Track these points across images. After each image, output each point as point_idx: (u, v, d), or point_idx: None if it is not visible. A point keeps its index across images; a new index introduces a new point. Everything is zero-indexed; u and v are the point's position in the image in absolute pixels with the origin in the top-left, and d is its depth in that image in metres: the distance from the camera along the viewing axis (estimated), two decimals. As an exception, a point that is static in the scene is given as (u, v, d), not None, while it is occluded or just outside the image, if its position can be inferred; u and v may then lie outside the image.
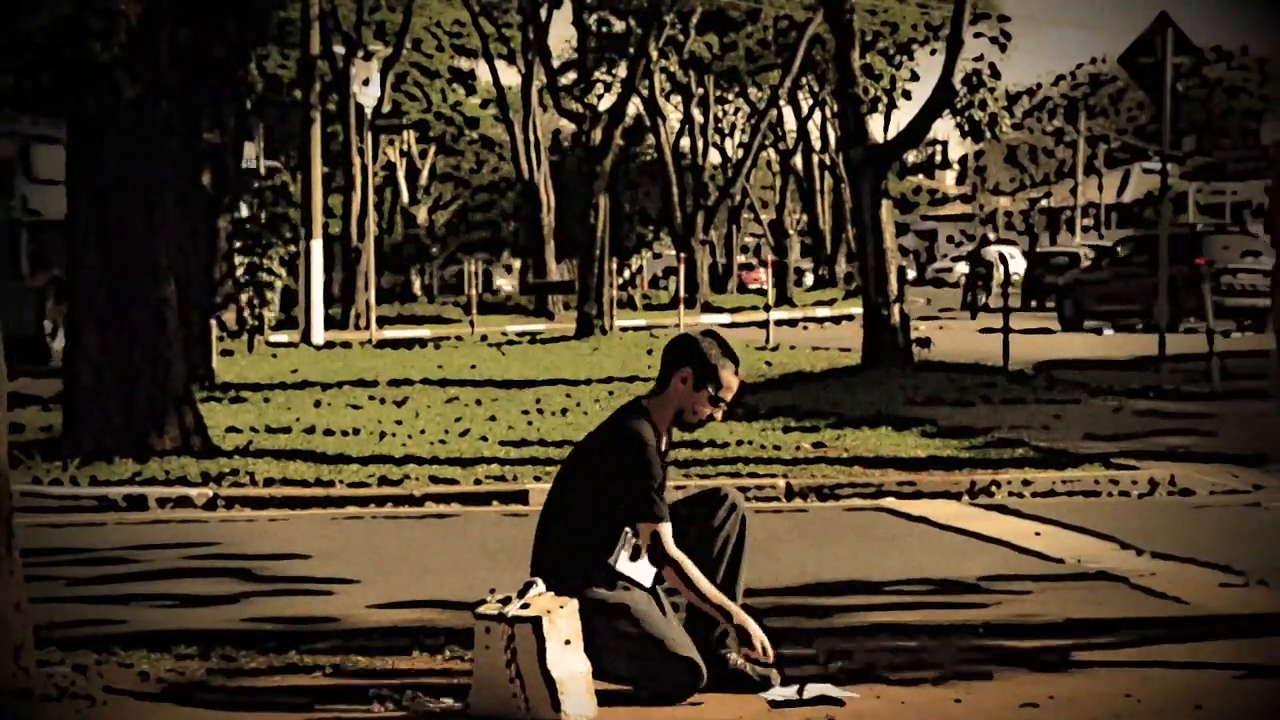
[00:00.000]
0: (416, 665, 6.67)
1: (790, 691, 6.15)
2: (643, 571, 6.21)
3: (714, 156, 63.21)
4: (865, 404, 16.46)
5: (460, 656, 6.77)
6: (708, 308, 47.47)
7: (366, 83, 40.22)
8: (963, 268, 74.16)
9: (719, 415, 6.34)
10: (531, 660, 5.74)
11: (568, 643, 5.82)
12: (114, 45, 12.88)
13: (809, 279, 70.95)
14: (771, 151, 69.66)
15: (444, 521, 10.82)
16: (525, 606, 5.83)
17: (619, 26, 51.38)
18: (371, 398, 17.91)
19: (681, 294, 35.83)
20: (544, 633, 5.75)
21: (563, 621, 5.83)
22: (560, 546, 6.19)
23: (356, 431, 14.56)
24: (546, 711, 5.73)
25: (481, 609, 5.88)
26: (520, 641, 5.76)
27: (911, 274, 34.77)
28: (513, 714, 5.78)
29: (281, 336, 31.21)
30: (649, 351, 25.81)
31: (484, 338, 32.48)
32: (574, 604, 5.92)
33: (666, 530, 6.12)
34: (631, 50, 39.67)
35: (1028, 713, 5.98)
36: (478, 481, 11.87)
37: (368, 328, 35.46)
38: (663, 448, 6.28)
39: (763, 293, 37.21)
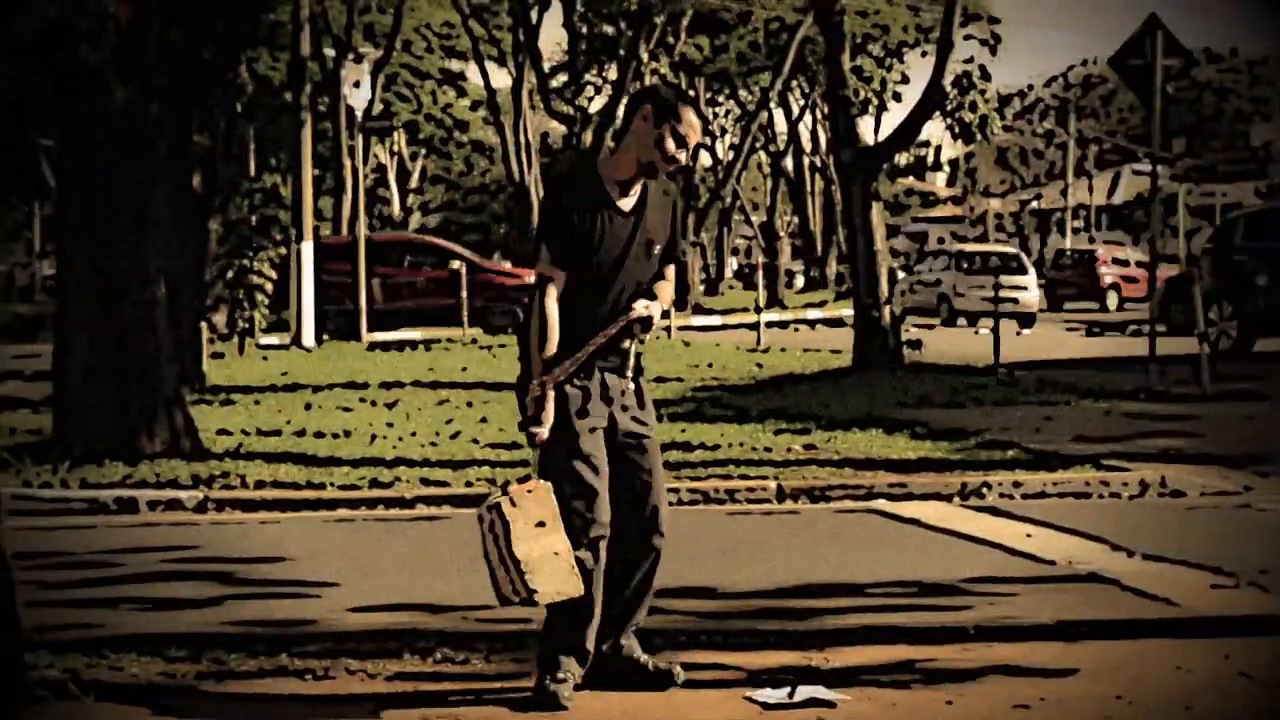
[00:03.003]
0: (407, 668, 6.67)
1: (781, 694, 6.16)
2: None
3: (704, 158, 63.21)
4: (856, 406, 16.47)
5: (451, 659, 6.77)
6: (698, 310, 47.49)
7: (357, 84, 40.20)
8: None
9: (683, 157, 6.18)
10: (502, 543, 5.91)
11: (541, 524, 5.92)
12: (104, 48, 12.87)
13: (800, 281, 71.00)
14: (762, 153, 69.73)
15: (435, 524, 10.81)
16: (505, 491, 5.98)
17: (609, 29, 51.40)
18: (362, 400, 17.90)
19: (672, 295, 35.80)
20: (506, 516, 5.89)
21: (532, 503, 5.93)
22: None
23: (347, 434, 14.55)
24: (521, 592, 5.89)
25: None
26: (495, 526, 5.93)
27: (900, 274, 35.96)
28: (504, 596, 5.98)
29: (272, 339, 31.18)
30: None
31: (475, 340, 32.47)
32: (547, 486, 6.00)
33: (549, 279, 6.09)
34: (622, 52, 39.71)
35: (1019, 714, 5.99)
36: (469, 484, 11.85)
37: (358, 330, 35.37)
38: (621, 202, 6.17)
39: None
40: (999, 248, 48.36)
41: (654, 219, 6.22)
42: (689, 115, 6.16)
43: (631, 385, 6.25)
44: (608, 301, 6.14)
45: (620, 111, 6.34)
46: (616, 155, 6.22)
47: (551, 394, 6.05)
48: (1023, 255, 44.17)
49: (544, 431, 6.04)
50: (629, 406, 6.23)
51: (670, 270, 6.39)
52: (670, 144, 6.13)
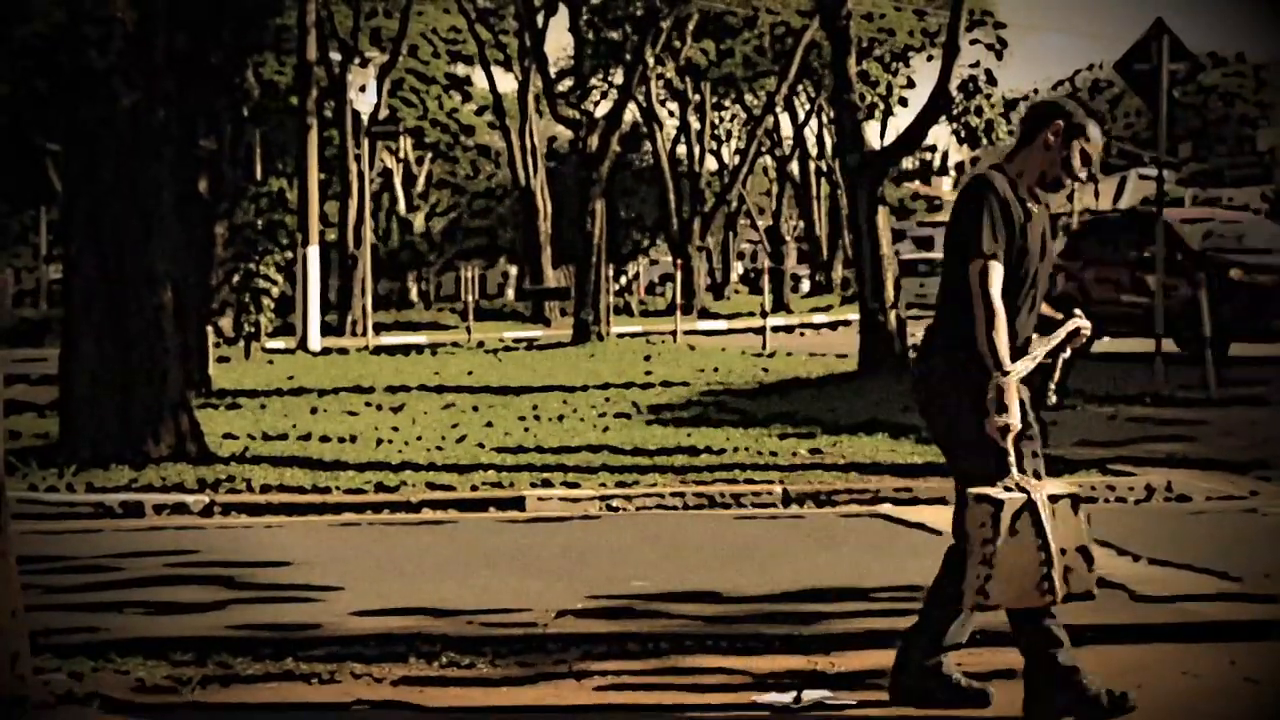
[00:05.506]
0: (412, 672, 6.67)
1: (787, 698, 6.16)
2: None
3: (710, 163, 63.24)
4: (862, 410, 16.44)
5: (457, 663, 6.77)
6: (704, 314, 47.49)
7: (363, 89, 40.27)
8: None
9: (1084, 175, 6.13)
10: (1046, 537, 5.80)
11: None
12: (110, 53, 12.89)
13: (805, 285, 70.96)
14: (768, 158, 69.68)
15: (440, 528, 10.81)
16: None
17: (615, 33, 51.41)
18: (368, 404, 17.90)
19: (678, 300, 35.85)
20: (1042, 512, 5.79)
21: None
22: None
23: (353, 438, 14.56)
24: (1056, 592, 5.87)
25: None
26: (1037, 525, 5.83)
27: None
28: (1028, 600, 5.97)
29: (278, 343, 31.20)
30: (646, 358, 25.83)
31: (481, 344, 32.48)
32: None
33: (992, 268, 5.88)
34: (628, 57, 39.69)
35: (1024, 719, 5.98)
36: (474, 488, 11.87)
37: (364, 334, 35.47)
38: (1025, 207, 6.03)
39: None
40: None
41: (1045, 232, 6.16)
42: (1096, 133, 6.09)
43: (1052, 400, 6.17)
44: (1023, 307, 6.03)
45: (1022, 126, 6.25)
46: (1019, 165, 6.11)
47: (1010, 387, 5.84)
48: None
49: (1016, 421, 5.83)
50: (1033, 436, 6.08)
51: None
52: (1077, 161, 6.07)
